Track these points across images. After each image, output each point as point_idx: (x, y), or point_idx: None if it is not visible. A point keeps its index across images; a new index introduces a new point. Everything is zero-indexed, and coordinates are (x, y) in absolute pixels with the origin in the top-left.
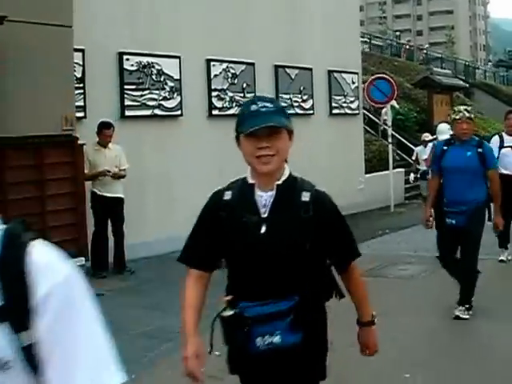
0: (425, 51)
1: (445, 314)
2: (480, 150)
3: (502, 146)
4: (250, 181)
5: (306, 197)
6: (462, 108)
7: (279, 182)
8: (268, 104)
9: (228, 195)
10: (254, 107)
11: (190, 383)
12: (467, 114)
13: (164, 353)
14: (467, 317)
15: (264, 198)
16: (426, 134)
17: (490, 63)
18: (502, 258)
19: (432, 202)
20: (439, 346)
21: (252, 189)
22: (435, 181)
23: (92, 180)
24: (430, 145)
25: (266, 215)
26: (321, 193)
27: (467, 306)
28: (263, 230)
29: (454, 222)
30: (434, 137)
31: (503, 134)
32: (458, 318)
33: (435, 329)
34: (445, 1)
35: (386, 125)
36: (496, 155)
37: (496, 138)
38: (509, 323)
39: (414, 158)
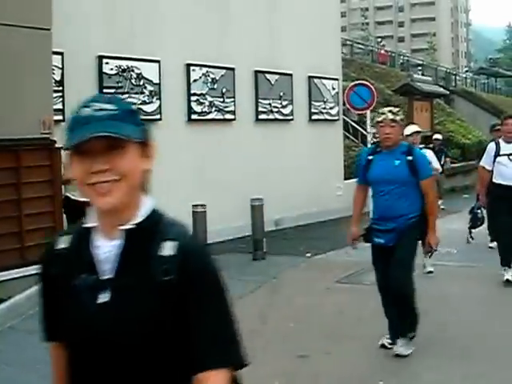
0: (403, 57)
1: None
2: (410, 157)
3: (497, 154)
4: (89, 223)
5: (169, 249)
6: (386, 109)
7: (129, 226)
8: (108, 106)
9: (63, 243)
10: (85, 111)
11: None
12: (390, 116)
13: None
14: (409, 352)
15: (104, 249)
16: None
17: (467, 72)
18: (507, 277)
19: (357, 218)
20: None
21: (89, 235)
22: (360, 195)
23: (67, 184)
24: None
25: (107, 277)
26: (193, 244)
27: (411, 335)
28: (101, 299)
29: (382, 241)
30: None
31: (500, 140)
32: (398, 355)
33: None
34: (427, 8)
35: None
36: (491, 163)
37: (492, 146)
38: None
39: None
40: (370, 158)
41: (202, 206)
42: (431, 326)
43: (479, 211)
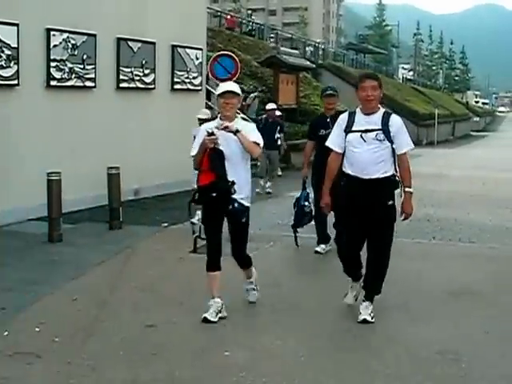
0: (272, 30)
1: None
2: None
3: (349, 130)
4: None
5: None
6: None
7: None
8: None
9: None
10: None
11: None
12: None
13: None
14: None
15: None
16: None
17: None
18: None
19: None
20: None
21: None
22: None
23: None
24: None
25: None
26: None
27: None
28: None
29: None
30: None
31: (357, 110)
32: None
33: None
34: None
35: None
36: (340, 143)
37: (343, 117)
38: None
39: None
40: None
41: (56, 173)
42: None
43: (307, 204)
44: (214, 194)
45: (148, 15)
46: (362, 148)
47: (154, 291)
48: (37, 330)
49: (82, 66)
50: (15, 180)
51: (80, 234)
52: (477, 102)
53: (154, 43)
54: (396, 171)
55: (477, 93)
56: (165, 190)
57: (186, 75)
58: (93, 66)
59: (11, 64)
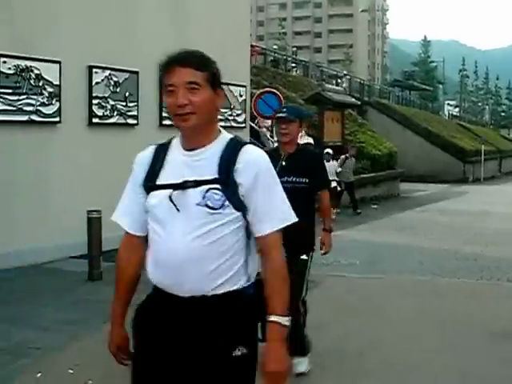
0: (318, 67)
1: None
2: None
3: None
4: None
5: None
6: None
7: None
8: None
9: None
10: None
11: None
12: None
13: (19, 370)
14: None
15: None
16: None
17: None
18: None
19: None
20: None
21: None
22: None
23: None
24: None
25: None
26: None
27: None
28: None
29: None
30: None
31: None
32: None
33: None
34: (345, 20)
35: (272, 137)
36: None
37: None
38: None
39: None
40: None
41: (97, 211)
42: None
43: None
44: None
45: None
46: None
47: None
48: (70, 371)
49: (124, 103)
50: (56, 217)
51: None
52: None
53: None
54: None
55: None
56: None
57: (230, 112)
58: (135, 103)
59: (53, 101)
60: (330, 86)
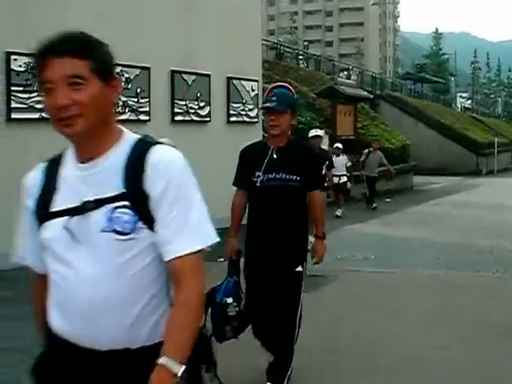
0: (329, 61)
1: None
2: None
3: None
4: None
5: None
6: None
7: None
8: None
9: None
10: None
11: None
12: None
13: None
14: None
15: None
16: None
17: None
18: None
19: None
20: None
21: None
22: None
23: None
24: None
25: None
26: None
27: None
28: None
29: None
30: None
31: None
32: None
33: None
34: (355, 13)
35: None
36: None
37: None
38: None
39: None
40: None
41: None
42: None
43: (229, 301)
44: None
45: (202, 47)
46: None
47: None
48: None
49: (135, 100)
50: None
51: None
52: None
53: (208, 75)
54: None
55: None
56: (215, 225)
57: (242, 107)
58: (147, 100)
59: None
60: (341, 80)
